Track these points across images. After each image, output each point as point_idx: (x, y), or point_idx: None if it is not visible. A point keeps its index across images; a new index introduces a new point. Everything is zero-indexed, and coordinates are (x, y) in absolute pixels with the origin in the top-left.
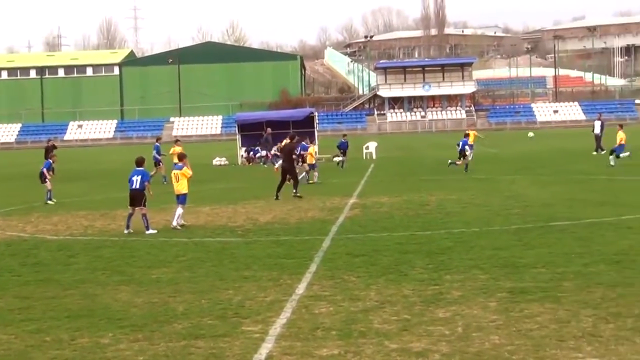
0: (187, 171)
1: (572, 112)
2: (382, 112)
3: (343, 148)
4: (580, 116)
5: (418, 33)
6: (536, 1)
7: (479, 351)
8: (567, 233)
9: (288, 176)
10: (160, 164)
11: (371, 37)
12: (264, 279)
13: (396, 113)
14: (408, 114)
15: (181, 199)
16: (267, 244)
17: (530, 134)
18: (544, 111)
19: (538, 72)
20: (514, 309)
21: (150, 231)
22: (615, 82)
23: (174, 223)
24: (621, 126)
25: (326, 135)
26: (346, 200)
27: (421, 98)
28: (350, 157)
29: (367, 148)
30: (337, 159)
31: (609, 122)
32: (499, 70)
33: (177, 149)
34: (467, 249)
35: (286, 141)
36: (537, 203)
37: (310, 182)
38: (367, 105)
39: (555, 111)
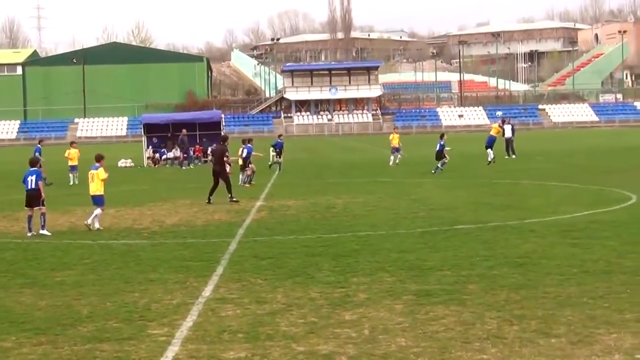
0: (102, 173)
1: (476, 116)
2: (288, 114)
3: (279, 148)
4: (485, 121)
5: (325, 36)
6: (441, 7)
7: (385, 353)
8: (472, 236)
9: (221, 180)
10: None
11: (278, 39)
12: (170, 282)
13: (303, 116)
14: (315, 117)
15: (97, 200)
16: (174, 247)
17: (499, 113)
18: (449, 115)
19: (443, 76)
20: (419, 312)
21: (44, 232)
22: (518, 87)
23: (88, 220)
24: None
25: (232, 138)
26: (253, 202)
27: (328, 101)
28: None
29: (274, 150)
30: (275, 159)
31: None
32: (405, 75)
33: (73, 151)
34: (373, 252)
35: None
36: (442, 206)
37: (247, 184)
38: (273, 108)
39: (460, 115)
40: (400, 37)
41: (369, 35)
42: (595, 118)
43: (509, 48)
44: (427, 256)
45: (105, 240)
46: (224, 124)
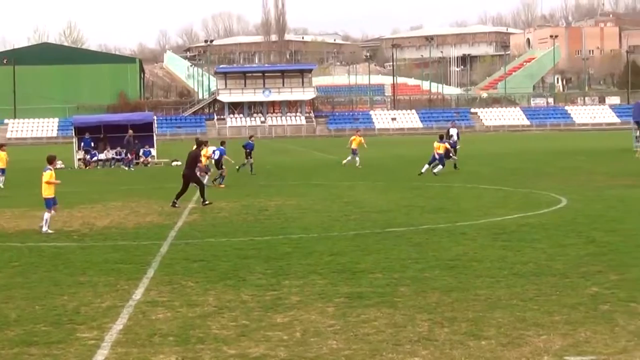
0: (47, 175)
1: (409, 119)
2: (221, 117)
3: (249, 149)
4: (418, 124)
5: (258, 38)
6: (375, 10)
7: (317, 356)
8: (404, 239)
9: (192, 184)
10: None
11: (211, 41)
12: (100, 285)
13: (236, 118)
14: (248, 119)
15: (46, 202)
16: (104, 249)
17: (453, 130)
18: (382, 118)
19: (377, 79)
20: (351, 314)
21: None
22: (451, 90)
23: (44, 228)
24: (441, 137)
25: (165, 140)
26: (185, 204)
27: (261, 103)
28: None
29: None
30: (246, 160)
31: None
32: (339, 77)
33: (2, 154)
34: (305, 255)
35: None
36: (375, 209)
37: (210, 185)
38: (206, 110)
39: (393, 119)
40: (334, 40)
41: (303, 38)
42: (526, 122)
43: (442, 52)
44: (360, 259)
45: (35, 243)
46: (156, 125)
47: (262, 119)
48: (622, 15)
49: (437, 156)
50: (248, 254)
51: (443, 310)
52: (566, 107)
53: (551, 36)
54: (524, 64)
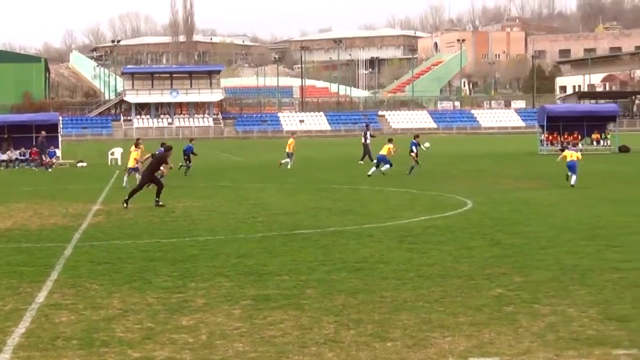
0: None
1: (317, 122)
2: (128, 117)
3: (189, 151)
4: (326, 126)
5: (166, 39)
6: (284, 12)
7: (223, 358)
8: (311, 241)
9: (150, 184)
10: None
11: (118, 41)
12: (2, 288)
13: (143, 119)
14: (155, 120)
15: None
16: (6, 251)
17: (427, 144)
18: (290, 120)
19: (285, 81)
20: (257, 316)
21: None
22: (359, 93)
23: None
24: (390, 140)
25: (70, 140)
26: (90, 206)
27: (168, 104)
28: (95, 163)
29: (112, 154)
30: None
31: (354, 134)
32: (247, 79)
33: None
34: (212, 257)
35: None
36: (282, 211)
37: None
38: (113, 111)
39: (302, 121)
40: (243, 42)
41: (211, 39)
42: (433, 125)
43: (350, 54)
44: (266, 261)
45: None
46: (61, 126)
47: (170, 120)
48: (528, 21)
49: (379, 156)
50: (154, 256)
51: (349, 312)
52: (472, 111)
53: (458, 40)
54: (432, 67)
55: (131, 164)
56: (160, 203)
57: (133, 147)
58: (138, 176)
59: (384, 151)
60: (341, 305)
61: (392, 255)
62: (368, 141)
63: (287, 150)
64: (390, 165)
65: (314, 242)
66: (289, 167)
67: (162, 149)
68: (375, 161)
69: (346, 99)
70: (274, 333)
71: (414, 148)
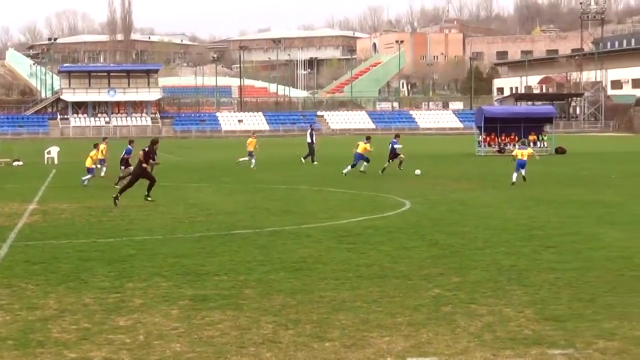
0: None
1: (256, 122)
2: (65, 116)
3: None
4: (265, 126)
5: (104, 38)
6: (223, 11)
7: (160, 359)
8: (250, 241)
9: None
10: None
11: (55, 39)
12: None
13: (80, 118)
14: (92, 119)
15: None
16: None
17: (417, 172)
18: (229, 120)
19: (224, 81)
20: (195, 317)
21: None
22: (298, 93)
23: None
24: (368, 138)
25: (6, 139)
26: (25, 205)
27: (106, 103)
28: (32, 162)
29: (49, 153)
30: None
31: (294, 134)
32: (185, 79)
33: None
34: (149, 257)
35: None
36: (221, 211)
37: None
38: (50, 109)
39: (240, 121)
40: (181, 41)
41: (149, 37)
42: (372, 125)
43: (289, 55)
44: (204, 261)
45: None
46: None
47: (107, 119)
48: (466, 22)
49: (356, 155)
50: (90, 256)
51: (288, 313)
52: (411, 112)
53: (397, 41)
54: (370, 68)
55: (88, 163)
56: (150, 198)
57: (101, 145)
58: (90, 176)
59: (359, 149)
60: (279, 306)
61: (330, 256)
62: (313, 142)
63: (248, 149)
64: (367, 161)
65: (253, 242)
66: (252, 167)
67: (130, 147)
68: (353, 161)
69: (285, 99)
70: (212, 333)
71: (395, 147)
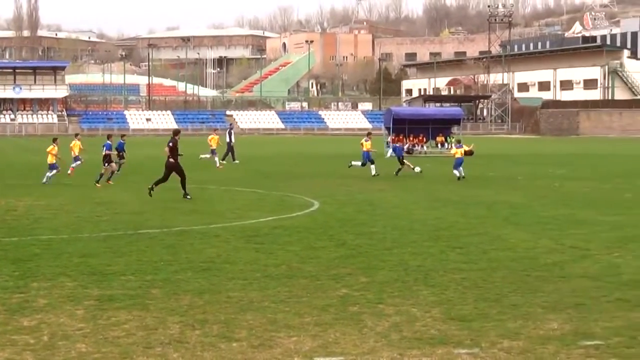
0: None
1: (164, 120)
2: None
3: (120, 149)
4: (173, 125)
5: (10, 34)
6: (131, 9)
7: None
8: (157, 241)
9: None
10: None
11: None
12: None
13: None
14: None
15: None
16: None
17: (417, 169)
18: (137, 119)
19: (132, 79)
20: (101, 317)
21: None
22: (207, 92)
23: None
24: (369, 134)
25: None
26: None
27: (11, 100)
28: None
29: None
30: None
31: (201, 133)
32: (93, 76)
33: None
34: (55, 256)
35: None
36: (128, 210)
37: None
38: None
39: (148, 119)
40: (89, 38)
41: (56, 34)
42: (281, 125)
43: (198, 53)
44: (111, 260)
45: None
46: None
47: (12, 116)
48: (375, 23)
49: (364, 154)
50: None
51: (195, 313)
52: (320, 112)
53: (306, 41)
54: (280, 68)
55: (50, 160)
56: (188, 197)
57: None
58: (54, 172)
59: (365, 147)
60: (187, 306)
61: (238, 255)
62: (232, 141)
63: (211, 146)
64: (372, 161)
65: (160, 242)
66: (218, 165)
67: (109, 142)
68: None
69: (194, 98)
70: (118, 334)
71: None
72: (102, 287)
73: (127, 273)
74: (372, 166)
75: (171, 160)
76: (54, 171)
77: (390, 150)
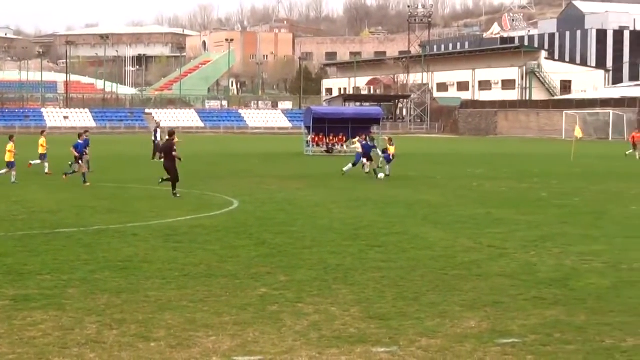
0: None
1: (82, 118)
2: None
3: (80, 148)
4: (91, 123)
5: None
6: (49, 5)
7: None
8: (74, 240)
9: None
10: None
11: None
12: None
13: None
14: None
15: None
16: None
17: (381, 175)
18: (54, 116)
19: (49, 77)
20: (17, 317)
21: None
22: (126, 90)
23: None
24: (391, 140)
25: None
26: None
27: None
28: None
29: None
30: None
31: (119, 131)
32: (9, 73)
33: None
34: None
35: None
36: (44, 209)
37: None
38: None
39: (66, 117)
40: (6, 34)
41: None
42: (201, 124)
43: (117, 51)
44: (27, 260)
45: None
46: None
47: None
48: (296, 23)
49: (385, 156)
50: None
51: (112, 312)
52: (240, 111)
53: (227, 40)
54: (200, 66)
55: (8, 157)
56: (178, 194)
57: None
58: (7, 169)
59: (390, 152)
60: (104, 305)
61: (156, 255)
62: (158, 140)
63: (40, 151)
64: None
65: (77, 241)
66: (46, 170)
67: (83, 139)
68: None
69: (112, 96)
70: (34, 334)
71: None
72: (17, 286)
73: (44, 272)
74: (387, 166)
75: (166, 162)
76: (6, 170)
77: (310, 148)
